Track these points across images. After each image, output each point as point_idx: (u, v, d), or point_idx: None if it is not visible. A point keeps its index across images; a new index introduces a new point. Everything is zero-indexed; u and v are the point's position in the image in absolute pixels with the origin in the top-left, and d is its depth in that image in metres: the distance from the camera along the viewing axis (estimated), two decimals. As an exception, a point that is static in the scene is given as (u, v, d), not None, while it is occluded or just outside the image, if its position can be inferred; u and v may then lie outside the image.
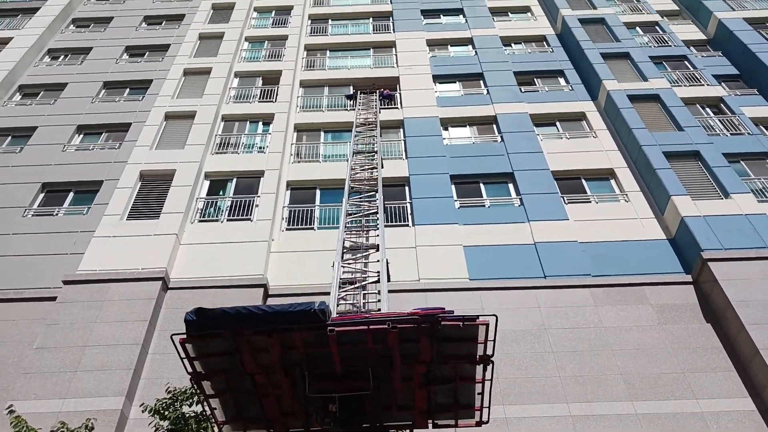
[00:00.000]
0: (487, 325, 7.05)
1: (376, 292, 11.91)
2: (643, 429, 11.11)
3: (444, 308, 7.12)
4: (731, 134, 18.77)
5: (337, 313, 10.72)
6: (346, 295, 12.04)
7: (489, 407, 8.03)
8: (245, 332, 6.81)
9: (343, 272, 12.11)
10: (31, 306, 13.64)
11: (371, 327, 6.84)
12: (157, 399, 9.05)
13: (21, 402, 10.77)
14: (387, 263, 12.10)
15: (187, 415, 8.83)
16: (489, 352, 7.33)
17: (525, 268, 14.52)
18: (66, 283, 13.83)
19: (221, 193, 17.33)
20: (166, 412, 8.84)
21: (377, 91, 20.41)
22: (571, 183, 17.40)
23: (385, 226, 14.47)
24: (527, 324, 13.11)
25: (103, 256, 14.53)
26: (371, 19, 26.22)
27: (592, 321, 13.14)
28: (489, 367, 7.55)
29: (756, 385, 11.74)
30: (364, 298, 12.23)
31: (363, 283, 12.18)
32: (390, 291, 12.00)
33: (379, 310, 10.68)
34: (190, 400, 9.07)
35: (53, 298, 13.59)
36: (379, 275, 11.81)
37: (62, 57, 23.97)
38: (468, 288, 14.07)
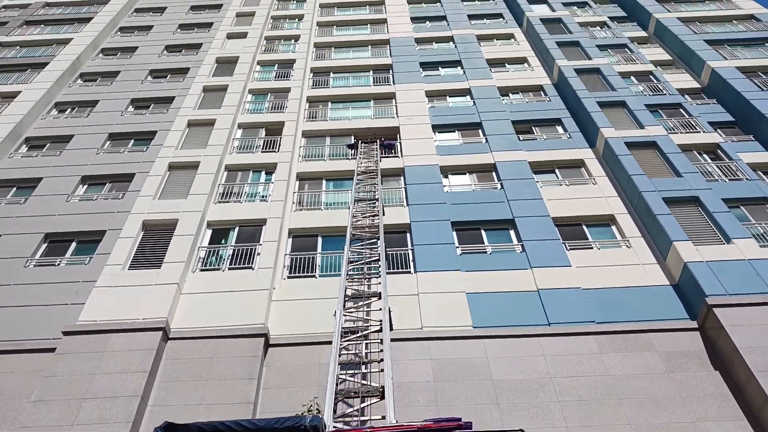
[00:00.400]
0: None
1: (379, 341, 11.83)
2: (654, 482, 10.81)
3: (460, 419, 6.44)
4: (730, 180, 18.92)
5: (339, 364, 10.60)
6: (348, 344, 11.97)
7: None
8: None
9: (345, 321, 12.07)
10: (30, 358, 13.48)
11: None
12: (155, 454, 8.79)
13: (16, 457, 10.52)
14: (390, 312, 12.06)
15: (186, 470, 8.57)
16: None
17: (529, 316, 14.41)
18: (66, 333, 13.72)
19: (223, 241, 17.38)
20: (164, 467, 8.58)
21: (378, 141, 20.78)
22: (572, 229, 17.46)
23: (387, 272, 14.49)
24: (532, 373, 12.92)
25: (103, 306, 14.46)
26: (371, 71, 26.90)
27: (598, 369, 12.95)
28: None
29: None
30: (366, 347, 12.15)
31: (365, 332, 12.10)
32: (392, 339, 11.92)
33: (383, 370, 10.44)
34: (189, 455, 8.82)
35: (52, 350, 13.45)
36: (381, 324, 11.75)
37: (69, 110, 24.48)
38: (472, 336, 13.92)
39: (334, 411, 9.22)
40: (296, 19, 32.33)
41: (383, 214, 16.65)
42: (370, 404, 9.66)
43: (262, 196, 19.10)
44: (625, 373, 12.84)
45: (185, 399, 12.43)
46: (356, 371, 10.93)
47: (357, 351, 12.00)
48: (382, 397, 9.58)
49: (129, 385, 12.42)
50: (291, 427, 6.32)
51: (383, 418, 8.91)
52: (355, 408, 9.61)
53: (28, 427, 11.69)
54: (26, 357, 13.51)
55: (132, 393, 12.25)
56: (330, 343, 11.11)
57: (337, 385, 9.83)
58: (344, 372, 10.64)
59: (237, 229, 17.69)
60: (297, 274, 16.33)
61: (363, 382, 10.29)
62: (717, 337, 13.31)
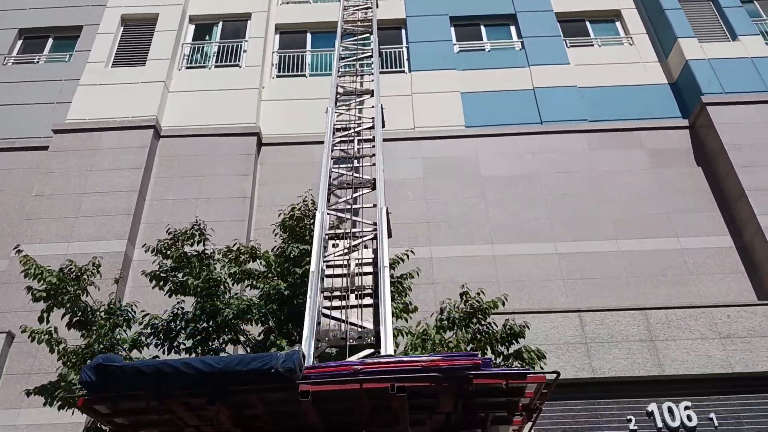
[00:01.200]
0: (543, 383, 5.23)
1: (371, 138, 11.85)
2: (623, 263, 11.72)
3: (476, 355, 5.25)
4: (749, -29, 17.57)
5: (331, 158, 10.71)
6: (340, 141, 11.98)
7: None
8: (174, 394, 5.06)
9: (337, 118, 11.95)
10: (24, 155, 13.60)
11: (365, 386, 4.96)
12: (159, 240, 9.26)
13: (27, 245, 10.97)
14: (382, 108, 11.90)
15: (189, 254, 9.09)
16: (538, 402, 5.57)
17: (522, 114, 14.34)
18: (56, 132, 13.66)
19: (207, 38, 16.53)
20: (168, 252, 9.05)
21: (370, -76, 18.71)
22: (574, 25, 16.58)
23: (380, 72, 14.05)
24: (520, 169, 13.24)
25: (91, 104, 14.20)
26: None
27: (586, 166, 13.26)
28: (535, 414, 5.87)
29: (737, 224, 12.17)
30: (358, 144, 12.19)
31: (357, 129, 12.07)
32: (385, 140, 11.92)
33: (374, 164, 10.57)
34: (191, 241, 9.28)
35: (45, 147, 13.49)
36: (373, 121, 11.67)
37: None
38: (463, 135, 14.00)
39: (328, 200, 9.55)
40: None
41: (377, 7, 15.65)
42: (362, 194, 9.98)
43: (246, -12, 17.70)
44: (612, 169, 13.17)
45: (183, 193, 12.83)
46: (348, 165, 11.10)
47: (349, 147, 12.08)
48: (374, 188, 9.86)
49: (125, 180, 12.71)
50: (256, 370, 4.87)
51: (374, 206, 9.26)
52: (348, 198, 9.95)
53: (33, 219, 12.19)
54: (20, 155, 13.62)
55: (129, 188, 12.58)
56: (322, 143, 11.13)
57: (330, 177, 10.04)
58: (337, 166, 10.81)
59: (221, 24, 16.70)
60: (286, 73, 15.85)
61: (355, 175, 10.51)
62: (706, 135, 13.43)
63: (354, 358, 6.58)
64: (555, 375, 5.10)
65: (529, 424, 6.02)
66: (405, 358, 5.30)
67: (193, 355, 8.30)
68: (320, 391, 4.90)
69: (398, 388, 4.76)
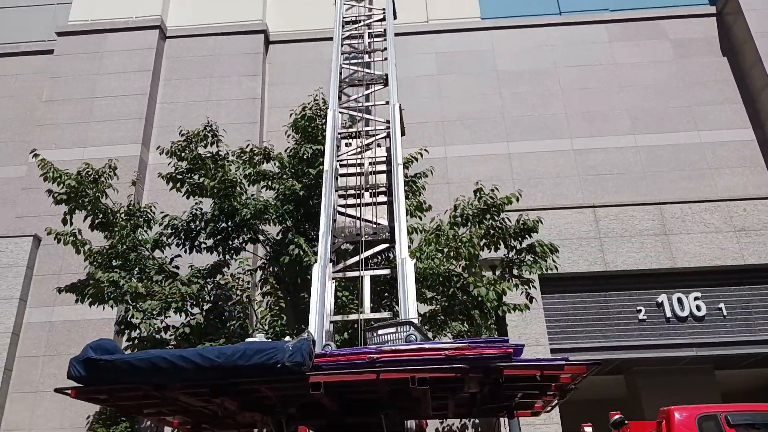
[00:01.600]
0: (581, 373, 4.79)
1: (382, 30, 11.40)
2: (640, 158, 11.58)
3: (506, 340, 4.72)
4: None
5: (342, 54, 10.36)
6: (350, 35, 11.54)
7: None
8: (170, 388, 4.71)
9: (347, 9, 11.44)
10: (30, 60, 13.38)
11: (383, 377, 4.50)
12: (172, 142, 9.23)
13: (42, 151, 11.03)
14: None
15: (204, 156, 9.09)
16: (573, 385, 5.17)
17: (540, 5, 13.66)
18: (60, 34, 13.32)
19: (207, -72, 15.59)
20: (183, 154, 9.05)
21: None
22: None
23: (390, -40, 13.30)
24: (538, 63, 12.80)
25: (93, 4, 13.72)
26: None
27: (605, 58, 12.77)
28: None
29: (761, 116, 11.83)
30: (369, 37, 11.74)
31: (368, 21, 11.57)
32: (396, 34, 11.47)
33: (386, 59, 10.18)
34: (204, 142, 9.24)
35: (50, 51, 13.22)
36: (384, 12, 11.18)
37: None
38: (479, 27, 13.45)
39: (339, 98, 9.35)
40: None
41: None
42: (374, 91, 9.74)
43: None
44: (632, 61, 12.68)
45: (192, 96, 12.65)
46: (359, 61, 10.76)
47: (359, 42, 11.66)
48: (386, 85, 9.61)
49: (135, 84, 12.51)
50: (260, 365, 4.35)
51: (386, 103, 9.07)
52: (360, 95, 9.72)
53: (46, 125, 12.17)
54: (25, 59, 13.40)
55: (139, 91, 12.40)
56: (331, 39, 10.73)
57: (340, 74, 9.77)
58: (347, 62, 10.47)
59: None
60: (292, -35, 15.04)
61: (367, 71, 10.20)
62: (733, 23, 12.76)
63: (368, 342, 5.68)
64: (596, 365, 4.64)
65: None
66: (426, 345, 4.74)
67: (215, 254, 8.58)
68: (333, 381, 4.47)
69: (419, 380, 4.27)
